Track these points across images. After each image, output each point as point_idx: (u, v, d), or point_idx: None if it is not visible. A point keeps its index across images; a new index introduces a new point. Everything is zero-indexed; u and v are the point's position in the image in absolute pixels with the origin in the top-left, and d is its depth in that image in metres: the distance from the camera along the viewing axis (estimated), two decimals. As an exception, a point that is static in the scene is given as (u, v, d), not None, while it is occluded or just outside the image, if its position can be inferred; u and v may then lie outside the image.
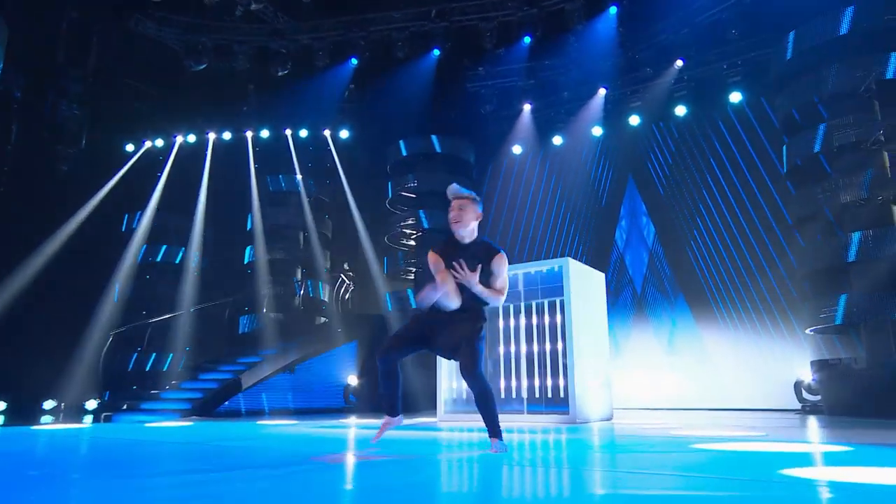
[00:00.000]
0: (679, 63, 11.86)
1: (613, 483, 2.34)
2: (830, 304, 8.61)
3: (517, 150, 14.45)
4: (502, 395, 7.61)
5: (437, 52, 12.86)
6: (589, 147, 14.14)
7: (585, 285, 7.46)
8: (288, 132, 15.43)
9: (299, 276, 14.37)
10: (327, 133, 15.43)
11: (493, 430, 3.47)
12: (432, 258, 3.65)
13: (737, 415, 9.11)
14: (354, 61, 13.30)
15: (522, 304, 7.69)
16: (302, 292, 14.13)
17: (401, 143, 13.65)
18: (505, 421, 6.99)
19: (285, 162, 15.12)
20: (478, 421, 7.52)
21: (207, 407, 10.03)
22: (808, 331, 9.52)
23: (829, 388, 8.85)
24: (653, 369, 12.20)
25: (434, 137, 13.46)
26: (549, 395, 7.28)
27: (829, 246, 8.80)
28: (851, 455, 3.25)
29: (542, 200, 14.62)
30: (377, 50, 13.02)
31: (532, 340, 7.59)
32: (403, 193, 13.61)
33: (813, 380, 9.76)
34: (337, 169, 15.16)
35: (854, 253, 8.37)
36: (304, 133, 15.36)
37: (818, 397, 9.80)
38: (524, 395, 7.50)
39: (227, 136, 15.66)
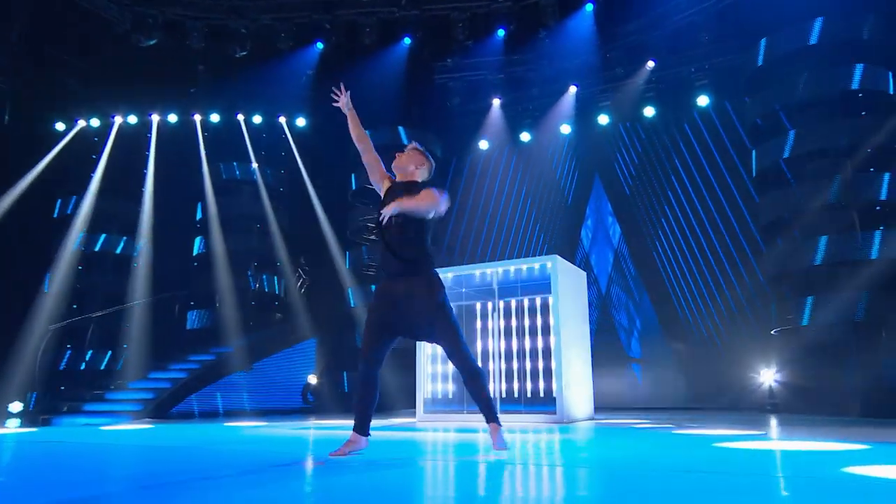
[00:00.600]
0: (651, 64, 12.16)
1: (725, 488, 2.32)
2: (797, 306, 9.02)
3: (484, 145, 14.47)
4: (494, 394, 7.56)
5: (407, 40, 12.67)
6: (557, 145, 14.32)
7: (571, 284, 7.51)
8: (240, 118, 14.86)
9: (254, 269, 13.88)
10: (283, 120, 14.95)
11: (490, 414, 3.43)
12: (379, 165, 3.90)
13: (702, 414, 9.44)
14: (320, 45, 12.93)
15: (513, 301, 7.67)
16: (257, 286, 13.66)
17: (366, 133, 13.35)
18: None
19: (238, 149, 14.55)
20: (458, 421, 7.49)
21: (162, 408, 9.52)
22: (773, 332, 9.95)
23: (792, 386, 9.30)
24: (616, 370, 12.48)
25: (401, 129, 13.28)
26: (537, 394, 7.30)
27: (797, 249, 9.22)
28: (881, 452, 3.37)
29: (508, 197, 14.71)
30: (344, 35, 12.71)
31: (517, 338, 7.60)
32: (368, 186, 13.32)
33: (775, 380, 10.23)
34: (295, 158, 14.73)
35: (820, 257, 8.80)
36: (257, 119, 14.83)
37: (778, 396, 10.29)
38: (513, 394, 7.50)
39: (172, 118, 14.92)
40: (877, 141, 8.84)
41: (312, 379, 12.23)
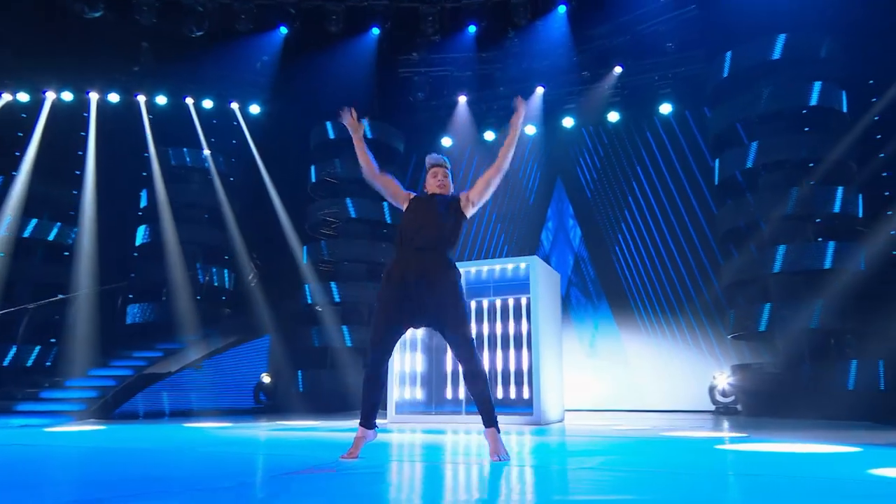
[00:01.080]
0: (618, 70, 12.47)
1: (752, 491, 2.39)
2: (755, 312, 9.48)
3: (447, 142, 14.47)
4: (461, 396, 7.57)
5: (376, 31, 12.51)
6: (520, 145, 14.46)
7: (547, 285, 7.62)
8: (189, 101, 14.30)
9: (203, 261, 13.37)
10: (235, 106, 14.48)
11: (490, 418, 3.33)
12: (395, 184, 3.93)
13: (662, 416, 9.79)
14: (284, 30, 12.58)
15: (485, 301, 7.70)
16: (206, 279, 13.16)
17: (327, 124, 13.14)
18: (464, 423, 6.98)
19: (188, 134, 13.99)
20: (432, 423, 7.46)
21: (107, 408, 9.02)
22: (729, 336, 10.41)
23: (747, 389, 9.76)
24: (574, 371, 12.75)
25: (365, 121, 13.00)
26: (509, 395, 7.36)
27: (756, 258, 9.68)
28: (877, 455, 3.58)
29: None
30: (309, 21, 12.43)
31: (489, 338, 7.64)
32: (328, 179, 13.11)
33: (729, 384, 10.71)
34: (249, 147, 14.28)
35: (778, 265, 9.27)
36: (208, 104, 14.29)
37: (731, 399, 10.78)
38: (493, 394, 7.51)
39: (113, 98, 14.19)
40: (832, 156, 9.39)
41: (266, 378, 11.90)
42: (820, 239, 9.53)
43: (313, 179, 13.24)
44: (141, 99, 14.29)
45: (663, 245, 12.81)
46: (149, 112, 14.22)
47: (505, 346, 7.56)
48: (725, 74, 10.39)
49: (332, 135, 13.09)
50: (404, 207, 3.81)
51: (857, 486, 2.47)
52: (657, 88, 12.87)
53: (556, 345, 7.59)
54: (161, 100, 14.14)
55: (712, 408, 10.91)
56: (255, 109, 14.37)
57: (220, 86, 14.33)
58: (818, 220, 9.41)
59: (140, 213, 13.88)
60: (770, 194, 9.75)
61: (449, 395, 7.77)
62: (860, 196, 9.52)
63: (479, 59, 13.42)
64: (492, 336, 7.68)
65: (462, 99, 13.77)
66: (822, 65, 9.83)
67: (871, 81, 10.05)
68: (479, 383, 3.35)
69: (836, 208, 9.26)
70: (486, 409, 3.36)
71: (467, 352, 3.34)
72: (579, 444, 4.37)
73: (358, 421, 3.47)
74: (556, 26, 12.27)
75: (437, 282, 3.42)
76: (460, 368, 3.44)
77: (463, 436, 5.20)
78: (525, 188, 14.50)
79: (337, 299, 12.21)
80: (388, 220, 13.07)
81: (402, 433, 5.56)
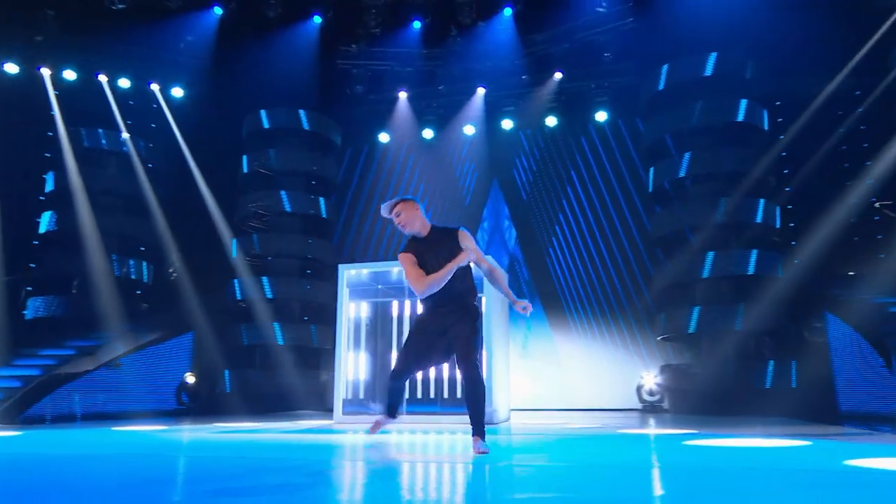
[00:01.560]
0: (558, 75, 12.89)
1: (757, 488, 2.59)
2: (685, 314, 10.13)
3: (384, 138, 14.41)
4: (407, 395, 7.61)
5: (318, 19, 12.27)
6: (459, 144, 14.66)
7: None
8: (103, 79, 13.41)
9: (120, 252, 12.56)
10: (156, 88, 13.73)
11: (480, 428, 3.61)
12: (408, 259, 3.79)
13: (594, 415, 10.27)
14: (218, 10, 12.08)
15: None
16: (123, 271, 12.40)
17: (262, 113, 12.74)
18: (412, 422, 7.01)
19: (102, 114, 13.11)
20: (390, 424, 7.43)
21: (11, 412, 8.32)
22: (659, 338, 11.06)
23: (675, 388, 10.42)
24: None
25: (302, 112, 12.80)
26: (459, 395, 7.48)
27: (686, 263, 10.35)
28: (825, 448, 3.98)
29: (405, 193, 14.78)
30: (247, 3, 12.01)
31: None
32: (261, 170, 12.71)
33: (656, 383, 11.38)
34: (173, 132, 13.56)
35: (707, 270, 9.96)
36: (124, 83, 13.45)
37: (657, 398, 11.46)
38: (429, 394, 7.60)
39: (11, 69, 13.07)
40: (754, 171, 10.21)
41: (190, 378, 11.39)
42: (742, 248, 10.30)
43: (245, 170, 12.80)
44: (45, 72, 13.24)
45: (595, 249, 13.39)
46: (55, 87, 13.19)
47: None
48: (661, 87, 11.02)
49: (266, 124, 12.72)
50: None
51: (852, 476, 2.75)
52: (594, 96, 13.42)
53: (505, 345, 7.79)
54: (69, 74, 13.16)
55: (639, 406, 11.55)
56: (177, 92, 13.67)
57: (139, 65, 13.52)
58: (742, 229, 10.17)
59: (44, 199, 12.87)
60: (699, 204, 10.45)
61: (419, 392, 7.81)
62: (777, 208, 10.40)
63: (421, 56, 13.46)
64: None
65: (402, 95, 13.76)
66: (748, 84, 10.66)
67: (777, 103, 10.96)
68: (475, 392, 3.70)
69: (759, 219, 10.06)
70: (478, 419, 3.68)
71: (470, 359, 3.71)
72: (580, 442, 4.54)
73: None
74: (501, 28, 12.54)
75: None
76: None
77: (420, 436, 5.25)
78: (461, 188, 14.69)
79: (269, 295, 11.87)
80: (324, 215, 12.86)
81: (355, 434, 5.53)
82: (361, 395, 7.94)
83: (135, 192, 12.66)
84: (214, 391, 11.80)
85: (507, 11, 12.07)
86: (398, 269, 7.94)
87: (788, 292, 9.67)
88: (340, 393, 7.56)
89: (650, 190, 11.37)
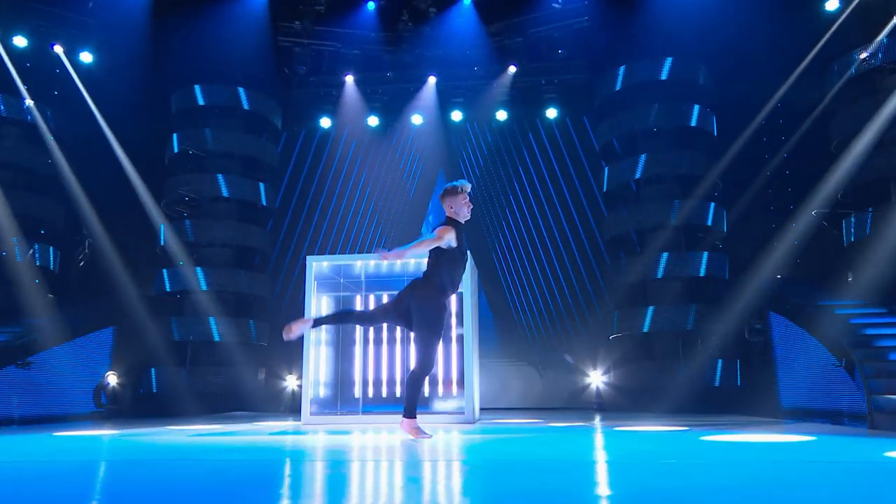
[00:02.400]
0: (512, 69, 13.05)
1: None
2: (639, 314, 10.58)
3: (325, 123, 14.03)
4: (383, 394, 7.48)
5: (264, -9, 11.76)
6: (405, 134, 14.52)
7: (473, 281, 7.81)
8: (-7, 34, 12.16)
9: (21, 237, 11.44)
10: (59, 50, 12.57)
11: (404, 410, 4.59)
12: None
13: (545, 413, 10.53)
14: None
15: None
16: (25, 258, 11.31)
17: (196, 88, 12.04)
18: (390, 423, 6.89)
19: (-2, 76, 11.86)
20: (353, 424, 7.24)
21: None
22: (612, 337, 11.48)
23: (626, 387, 10.87)
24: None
25: (242, 90, 12.21)
26: (439, 393, 7.43)
27: (639, 264, 10.81)
28: (829, 443, 4.29)
29: (345, 183, 14.46)
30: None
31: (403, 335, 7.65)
32: (194, 151, 12.02)
33: (604, 382, 11.82)
34: (85, 101, 12.50)
35: (661, 271, 10.45)
36: (20, 42, 12.20)
37: (603, 397, 11.89)
38: (395, 395, 7.50)
39: None
40: (707, 174, 10.82)
41: (111, 377, 10.60)
42: (694, 250, 10.87)
43: (175, 150, 12.04)
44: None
45: (543, 248, 13.68)
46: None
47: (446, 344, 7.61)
48: (618, 87, 11.42)
49: (201, 100, 12.04)
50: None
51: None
52: (544, 92, 13.71)
53: (476, 343, 7.82)
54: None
55: (584, 405, 11.95)
56: (86, 58, 12.55)
57: (38, 22, 12.32)
58: (694, 232, 10.74)
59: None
60: (653, 205, 10.93)
61: (357, 394, 7.66)
62: (724, 212, 11.08)
63: (370, 40, 13.23)
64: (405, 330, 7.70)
65: (349, 79, 13.45)
66: (700, 91, 11.26)
67: (725, 109, 11.68)
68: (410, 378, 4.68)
69: (709, 221, 10.67)
70: (411, 401, 4.63)
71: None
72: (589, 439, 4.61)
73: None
74: (456, 16, 12.53)
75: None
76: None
77: (385, 435, 5.18)
78: (406, 180, 14.58)
79: (203, 287, 11.25)
80: (264, 202, 12.36)
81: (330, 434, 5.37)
82: (323, 395, 7.71)
83: (41, 167, 11.59)
84: (138, 392, 11.06)
85: (467, 1, 12.08)
86: (361, 262, 7.82)
87: (734, 294, 10.32)
88: (308, 393, 7.30)
89: (604, 190, 11.75)
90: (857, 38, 9.83)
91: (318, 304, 7.72)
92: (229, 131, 12.08)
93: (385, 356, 8.04)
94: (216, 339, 11.11)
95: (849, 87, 9.86)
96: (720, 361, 9.99)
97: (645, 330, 10.49)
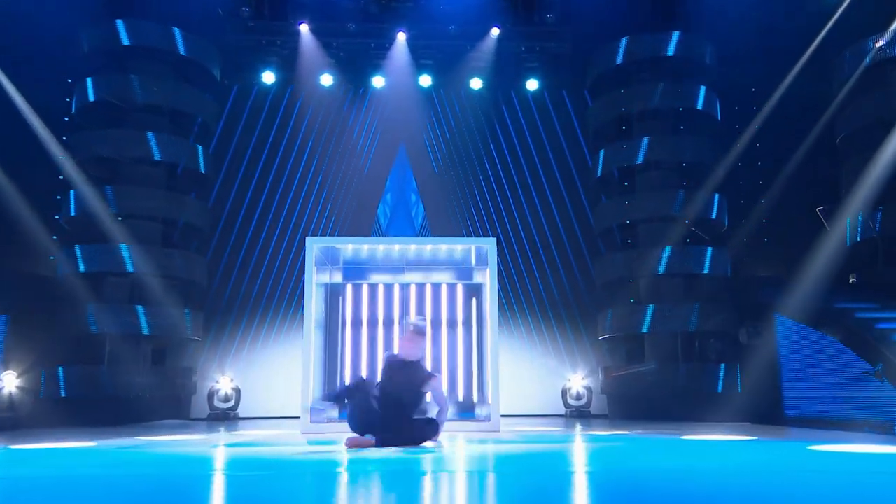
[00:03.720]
0: (496, 31, 12.86)
1: None
2: (635, 312, 10.78)
3: (269, 78, 13.27)
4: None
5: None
6: (361, 97, 14.00)
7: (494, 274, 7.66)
8: None
9: None
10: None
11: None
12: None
13: (530, 421, 10.57)
14: None
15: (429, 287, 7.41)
16: None
17: (119, 24, 10.98)
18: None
19: None
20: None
21: None
22: (601, 337, 11.65)
23: (618, 392, 11.09)
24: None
25: (177, 31, 11.27)
26: (459, 398, 7.24)
27: (637, 258, 11.00)
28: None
29: (288, 150, 13.75)
30: None
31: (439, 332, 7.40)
32: (115, 101, 10.98)
33: (584, 387, 11.99)
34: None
35: (663, 266, 10.69)
36: None
37: (583, 402, 12.08)
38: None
39: None
40: (711, 162, 11.18)
41: (7, 379, 9.49)
42: (696, 244, 11.20)
43: (91, 98, 10.93)
44: None
45: (515, 237, 13.60)
46: None
47: (452, 344, 7.39)
48: (619, 62, 11.53)
49: (126, 40, 10.96)
50: None
51: None
52: (524, 61, 13.63)
53: (498, 347, 7.67)
54: None
55: (564, 411, 12.07)
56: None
57: None
58: (697, 225, 11.06)
59: None
60: (653, 194, 11.15)
61: None
62: (725, 204, 11.51)
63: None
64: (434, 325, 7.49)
65: (303, 28, 12.76)
66: (707, 71, 11.59)
67: (731, 93, 12.15)
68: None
69: (713, 214, 11.03)
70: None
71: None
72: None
73: None
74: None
75: None
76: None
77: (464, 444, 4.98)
78: (361, 151, 14.07)
79: (129, 268, 10.31)
80: (203, 169, 11.51)
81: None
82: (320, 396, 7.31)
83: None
84: (39, 396, 10.00)
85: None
86: (385, 246, 7.54)
87: (736, 293, 10.75)
88: (310, 394, 6.86)
89: (598, 175, 11.86)
90: (871, 24, 10.37)
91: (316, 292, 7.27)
92: (162, 80, 11.13)
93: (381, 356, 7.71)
94: (145, 332, 10.24)
95: (861, 77, 10.39)
96: (723, 366, 10.35)
97: (644, 330, 10.70)
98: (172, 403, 10.72)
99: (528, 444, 5.54)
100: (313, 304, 7.15)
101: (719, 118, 11.74)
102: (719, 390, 10.38)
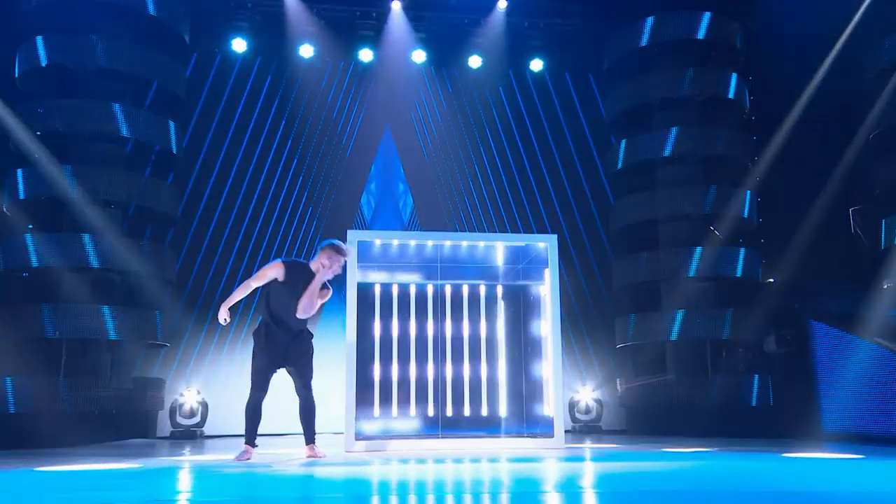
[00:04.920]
0: (503, 4, 12.79)
1: None
2: (663, 319, 10.93)
3: (240, 46, 12.81)
4: (449, 413, 7.04)
5: None
6: (345, 73, 13.69)
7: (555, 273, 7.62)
8: None
9: None
10: None
11: (311, 436, 6.12)
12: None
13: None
14: None
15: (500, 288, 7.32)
16: None
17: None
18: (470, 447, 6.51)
19: None
20: (422, 450, 6.70)
21: None
22: (619, 346, 11.78)
23: (641, 403, 11.23)
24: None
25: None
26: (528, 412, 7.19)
27: (661, 259, 11.16)
28: None
29: (258, 127, 13.29)
30: None
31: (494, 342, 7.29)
32: (67, 65, 10.36)
33: (594, 399, 12.09)
34: None
35: (693, 268, 10.88)
36: None
37: (592, 415, 12.20)
38: (480, 412, 7.15)
39: None
40: (741, 156, 11.45)
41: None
42: (728, 245, 11.44)
43: (43, 61, 10.25)
44: None
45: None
46: None
47: (516, 349, 7.32)
48: (644, 43, 11.66)
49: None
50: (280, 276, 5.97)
51: None
52: (527, 38, 13.63)
53: (560, 351, 7.64)
54: None
55: (570, 427, 12.15)
56: None
57: None
58: (728, 223, 11.29)
59: None
60: (679, 190, 11.33)
61: (412, 412, 7.19)
62: (757, 201, 11.82)
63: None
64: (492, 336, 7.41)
65: (289, -3, 12.36)
66: (736, 57, 11.86)
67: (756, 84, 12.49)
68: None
69: (745, 213, 11.31)
70: (311, 430, 6.14)
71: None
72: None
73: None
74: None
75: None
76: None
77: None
78: (342, 132, 13.75)
79: (94, 263, 9.72)
80: (173, 148, 10.99)
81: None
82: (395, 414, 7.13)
83: None
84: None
85: None
86: (434, 243, 7.39)
87: (768, 297, 11.05)
88: (352, 407, 6.61)
89: (619, 167, 11.97)
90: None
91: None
92: (128, 42, 10.55)
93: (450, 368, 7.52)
94: (111, 336, 9.68)
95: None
96: (756, 377, 10.62)
97: (673, 338, 10.87)
98: (142, 419, 10.19)
99: (627, 462, 5.47)
100: (355, 309, 6.90)
101: (748, 107, 12.04)
102: (753, 403, 10.64)
